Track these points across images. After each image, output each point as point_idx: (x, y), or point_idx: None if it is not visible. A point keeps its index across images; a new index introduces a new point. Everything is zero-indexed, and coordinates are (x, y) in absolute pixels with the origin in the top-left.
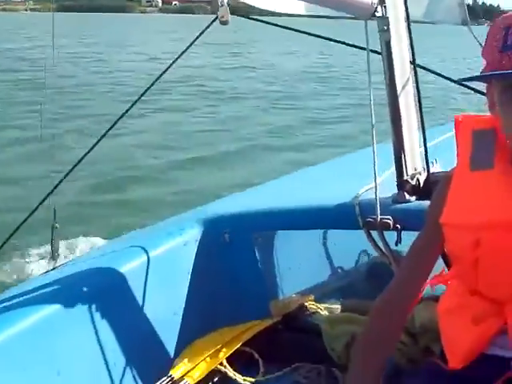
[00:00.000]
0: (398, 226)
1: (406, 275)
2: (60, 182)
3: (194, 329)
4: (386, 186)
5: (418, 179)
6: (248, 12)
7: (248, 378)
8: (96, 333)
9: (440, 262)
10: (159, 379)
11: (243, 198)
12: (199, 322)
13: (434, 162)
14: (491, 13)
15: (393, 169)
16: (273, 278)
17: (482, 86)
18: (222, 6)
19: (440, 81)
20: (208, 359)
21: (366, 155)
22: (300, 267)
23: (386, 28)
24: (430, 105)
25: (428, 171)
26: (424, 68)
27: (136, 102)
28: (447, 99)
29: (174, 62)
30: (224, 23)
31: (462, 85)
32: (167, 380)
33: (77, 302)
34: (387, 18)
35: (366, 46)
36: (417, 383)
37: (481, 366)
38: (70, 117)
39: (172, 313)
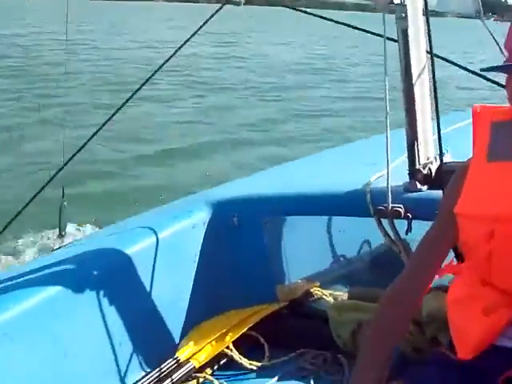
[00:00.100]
0: (408, 214)
1: (418, 265)
2: (67, 161)
3: (200, 311)
4: (397, 175)
5: (429, 168)
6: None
7: (254, 362)
8: (102, 314)
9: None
10: (165, 361)
11: (252, 182)
12: (206, 304)
13: (445, 152)
14: (499, 8)
15: (404, 157)
16: (280, 262)
17: (501, 77)
18: None
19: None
20: (214, 342)
21: (377, 142)
22: (307, 253)
23: (403, 15)
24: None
25: (441, 160)
26: (441, 57)
27: (137, 91)
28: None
29: (176, 51)
30: (237, 4)
31: (481, 76)
32: (173, 362)
33: (83, 283)
34: (405, 5)
35: (382, 34)
36: (425, 373)
37: (490, 357)
38: (50, 105)
39: (179, 295)
